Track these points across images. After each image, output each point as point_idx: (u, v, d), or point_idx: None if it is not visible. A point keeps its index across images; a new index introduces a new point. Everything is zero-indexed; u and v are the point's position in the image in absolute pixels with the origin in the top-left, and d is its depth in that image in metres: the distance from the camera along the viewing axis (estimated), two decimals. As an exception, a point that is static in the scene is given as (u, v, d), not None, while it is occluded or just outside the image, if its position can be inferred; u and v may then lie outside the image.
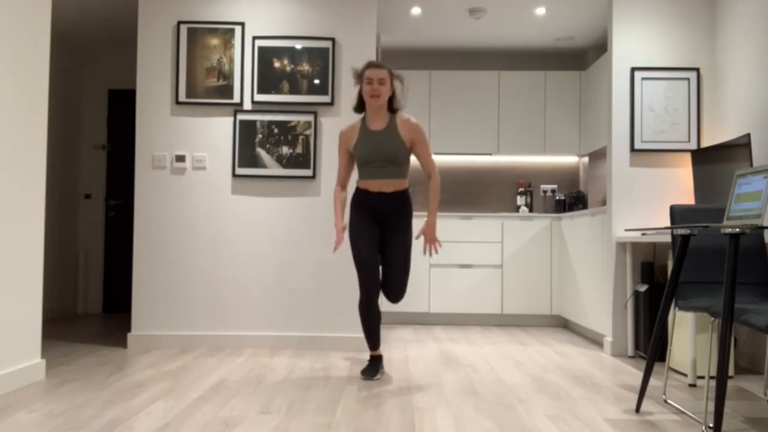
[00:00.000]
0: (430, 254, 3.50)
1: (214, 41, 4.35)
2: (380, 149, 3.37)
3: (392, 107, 3.46)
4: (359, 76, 3.43)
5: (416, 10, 5.29)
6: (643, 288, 4.02)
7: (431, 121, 6.13)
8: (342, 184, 3.54)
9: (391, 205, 3.43)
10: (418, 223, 5.73)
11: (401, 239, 3.43)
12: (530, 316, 5.73)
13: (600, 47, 6.17)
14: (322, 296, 4.30)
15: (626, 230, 3.90)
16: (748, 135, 3.57)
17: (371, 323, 3.44)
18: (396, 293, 3.47)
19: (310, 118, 4.33)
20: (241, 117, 4.33)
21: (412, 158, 6.28)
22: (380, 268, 3.47)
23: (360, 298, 3.41)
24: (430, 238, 3.47)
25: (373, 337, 3.48)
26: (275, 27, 4.38)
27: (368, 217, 3.45)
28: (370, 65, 3.39)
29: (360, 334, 4.28)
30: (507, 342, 4.73)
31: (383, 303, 5.65)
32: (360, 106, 3.49)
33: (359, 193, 3.48)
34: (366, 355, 4.07)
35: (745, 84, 3.89)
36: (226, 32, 4.36)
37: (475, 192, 6.45)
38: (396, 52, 6.50)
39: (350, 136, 3.48)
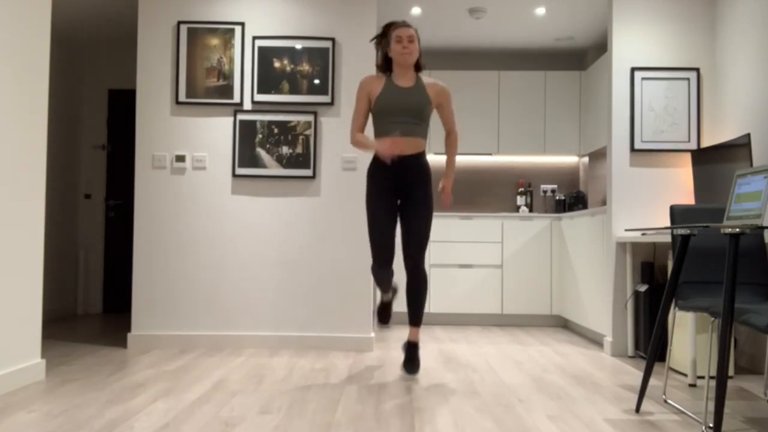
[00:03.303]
0: (446, 205, 3.57)
1: (214, 41, 4.35)
2: (407, 102, 3.37)
3: (419, 67, 3.50)
4: (381, 36, 3.47)
5: (416, 10, 5.29)
6: (643, 288, 4.02)
7: (431, 120, 6.13)
8: (360, 129, 3.49)
9: (411, 170, 3.40)
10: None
11: (422, 204, 3.43)
12: (530, 316, 5.73)
13: (600, 47, 6.17)
14: (322, 296, 4.30)
15: (626, 230, 3.90)
16: (748, 135, 3.57)
17: (383, 280, 3.54)
18: (414, 262, 3.42)
19: (310, 118, 4.33)
20: (241, 117, 4.33)
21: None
22: (395, 239, 3.54)
23: (373, 265, 3.49)
24: (448, 192, 3.56)
25: (384, 285, 3.57)
26: (275, 27, 4.38)
27: (387, 187, 3.43)
28: (397, 25, 3.41)
29: (359, 333, 4.28)
30: (507, 342, 4.73)
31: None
32: (386, 66, 3.50)
33: (378, 158, 3.44)
34: (367, 355, 4.06)
35: (745, 84, 3.89)
36: (226, 32, 4.36)
37: (475, 192, 6.45)
38: (396, 52, 6.49)
39: (374, 86, 3.45)
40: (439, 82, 3.50)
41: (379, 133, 3.44)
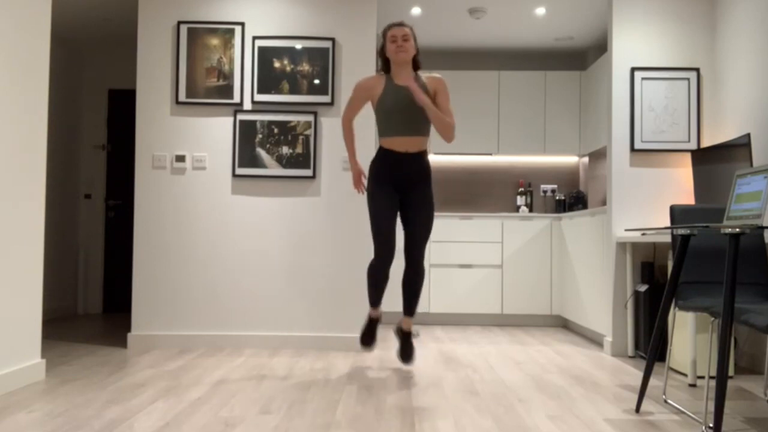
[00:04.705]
0: (411, 90, 3.28)
1: (214, 41, 4.35)
2: (409, 100, 3.41)
3: (416, 65, 3.53)
4: (382, 47, 3.52)
5: (416, 10, 5.29)
6: (643, 288, 4.02)
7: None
8: (350, 118, 3.59)
9: (414, 168, 3.46)
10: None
11: (422, 203, 3.47)
12: (530, 316, 5.73)
13: (600, 47, 6.17)
14: (322, 296, 4.30)
15: (626, 230, 3.90)
16: (748, 135, 3.57)
17: (378, 283, 3.51)
18: (416, 257, 3.48)
19: (310, 118, 4.33)
20: (241, 117, 4.33)
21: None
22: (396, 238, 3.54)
23: (372, 261, 3.47)
24: (417, 91, 3.27)
25: (376, 294, 3.54)
26: (275, 27, 4.38)
27: (388, 184, 3.48)
28: (392, 25, 3.48)
29: (359, 333, 4.27)
30: (507, 342, 4.73)
31: (388, 302, 5.64)
32: (385, 67, 3.55)
33: (383, 154, 3.48)
34: (367, 355, 4.07)
35: (745, 84, 3.89)
36: (226, 32, 4.36)
37: (475, 192, 6.45)
38: (396, 52, 6.49)
39: (373, 88, 3.50)
40: (435, 73, 3.53)
41: (383, 133, 3.49)
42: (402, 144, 3.44)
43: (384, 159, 3.47)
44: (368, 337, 3.63)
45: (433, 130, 6.11)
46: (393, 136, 3.45)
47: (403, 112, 3.42)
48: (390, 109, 3.42)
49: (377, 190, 3.47)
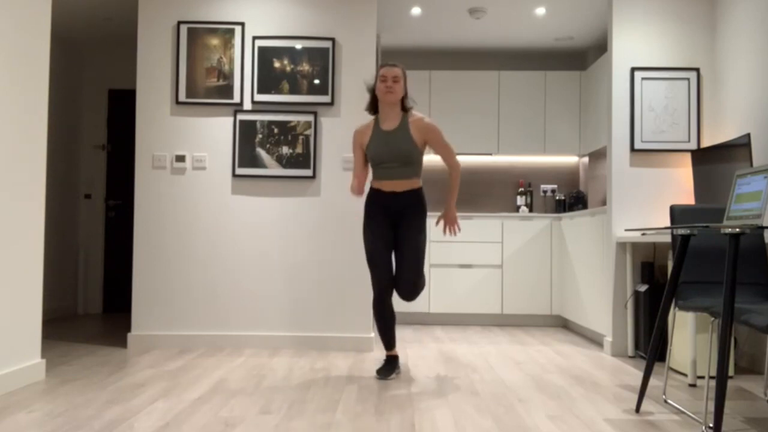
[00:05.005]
0: (452, 233, 3.53)
1: (214, 41, 4.35)
2: (392, 149, 3.41)
3: (404, 106, 3.50)
4: (373, 88, 3.53)
5: (416, 10, 5.29)
6: (643, 288, 4.02)
7: (431, 121, 6.13)
8: (361, 180, 3.55)
9: (404, 203, 3.45)
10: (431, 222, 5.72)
11: (414, 238, 3.44)
12: (530, 316, 5.73)
13: (600, 47, 6.17)
14: (322, 296, 4.30)
15: (626, 230, 3.90)
16: (748, 135, 3.57)
17: (385, 322, 3.49)
18: (408, 292, 3.45)
19: (310, 118, 4.33)
20: (241, 117, 4.33)
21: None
22: (393, 267, 3.49)
23: (373, 297, 3.48)
24: (450, 219, 3.52)
25: (387, 337, 3.51)
26: (275, 27, 4.38)
27: (382, 217, 3.48)
28: (384, 64, 3.48)
29: (359, 333, 4.28)
30: (507, 342, 4.73)
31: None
32: (373, 107, 3.55)
33: (373, 192, 3.52)
34: (367, 355, 4.07)
35: (745, 84, 3.89)
36: (226, 32, 4.36)
37: (475, 192, 6.45)
38: (396, 52, 6.49)
39: (364, 134, 3.53)
40: (425, 118, 3.47)
41: (373, 176, 3.53)
42: (390, 185, 3.46)
43: (375, 196, 3.50)
44: (387, 371, 3.42)
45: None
46: (380, 180, 3.48)
47: (390, 159, 3.42)
48: (376, 157, 3.44)
49: (371, 224, 3.48)
